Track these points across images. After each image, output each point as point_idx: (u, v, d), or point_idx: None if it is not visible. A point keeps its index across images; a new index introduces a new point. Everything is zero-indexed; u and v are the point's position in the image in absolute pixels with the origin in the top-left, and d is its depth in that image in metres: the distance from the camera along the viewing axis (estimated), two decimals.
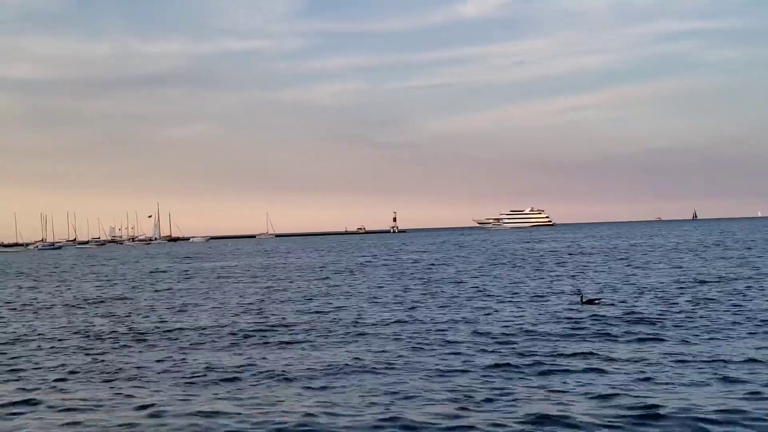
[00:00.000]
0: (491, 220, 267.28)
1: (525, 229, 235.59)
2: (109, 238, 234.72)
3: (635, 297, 28.67)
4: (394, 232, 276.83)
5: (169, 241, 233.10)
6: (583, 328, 20.61)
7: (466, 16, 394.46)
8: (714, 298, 27.37)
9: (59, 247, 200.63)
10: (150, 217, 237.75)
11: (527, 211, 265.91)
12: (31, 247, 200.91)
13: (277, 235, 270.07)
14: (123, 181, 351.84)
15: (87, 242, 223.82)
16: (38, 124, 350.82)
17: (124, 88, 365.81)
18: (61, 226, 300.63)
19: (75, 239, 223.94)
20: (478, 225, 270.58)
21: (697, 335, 19.08)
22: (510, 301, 28.63)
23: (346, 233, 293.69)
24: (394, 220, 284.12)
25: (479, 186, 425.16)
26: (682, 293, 29.51)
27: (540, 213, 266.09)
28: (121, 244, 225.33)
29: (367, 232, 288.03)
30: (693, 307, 24.75)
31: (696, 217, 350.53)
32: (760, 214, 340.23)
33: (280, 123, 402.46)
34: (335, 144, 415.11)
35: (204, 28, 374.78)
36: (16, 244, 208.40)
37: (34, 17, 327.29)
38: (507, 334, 20.01)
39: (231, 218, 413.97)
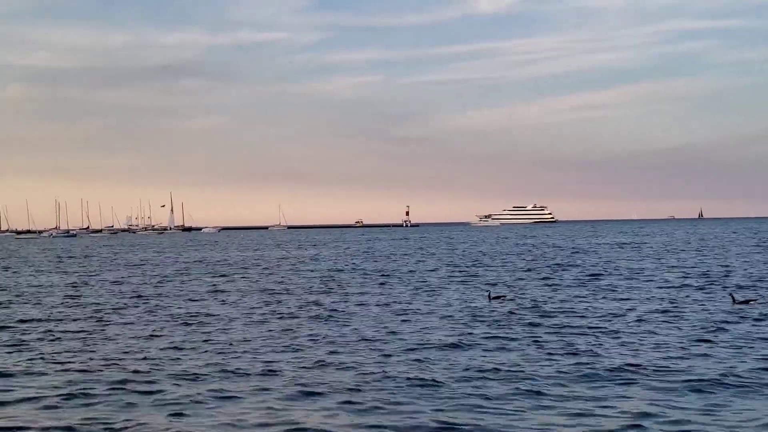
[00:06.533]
0: (482, 217, 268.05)
1: (524, 226, 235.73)
2: (126, 226, 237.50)
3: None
4: (406, 226, 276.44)
5: (182, 231, 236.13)
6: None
7: (482, 11, 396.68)
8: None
9: (74, 235, 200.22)
10: (163, 206, 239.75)
11: (529, 207, 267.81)
12: (45, 234, 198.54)
13: (290, 227, 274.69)
14: (136, 171, 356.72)
15: (101, 230, 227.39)
16: (53, 113, 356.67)
17: (139, 79, 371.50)
18: (74, 213, 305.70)
19: (89, 227, 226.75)
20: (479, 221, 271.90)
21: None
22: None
23: (350, 226, 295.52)
24: (407, 213, 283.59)
25: (492, 182, 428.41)
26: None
27: (542, 209, 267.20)
28: (135, 233, 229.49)
29: (372, 226, 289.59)
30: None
31: (702, 216, 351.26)
32: None
33: (294, 116, 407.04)
34: (349, 137, 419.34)
35: (220, 19, 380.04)
36: (29, 231, 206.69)
37: (50, 7, 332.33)
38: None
39: (243, 209, 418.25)
